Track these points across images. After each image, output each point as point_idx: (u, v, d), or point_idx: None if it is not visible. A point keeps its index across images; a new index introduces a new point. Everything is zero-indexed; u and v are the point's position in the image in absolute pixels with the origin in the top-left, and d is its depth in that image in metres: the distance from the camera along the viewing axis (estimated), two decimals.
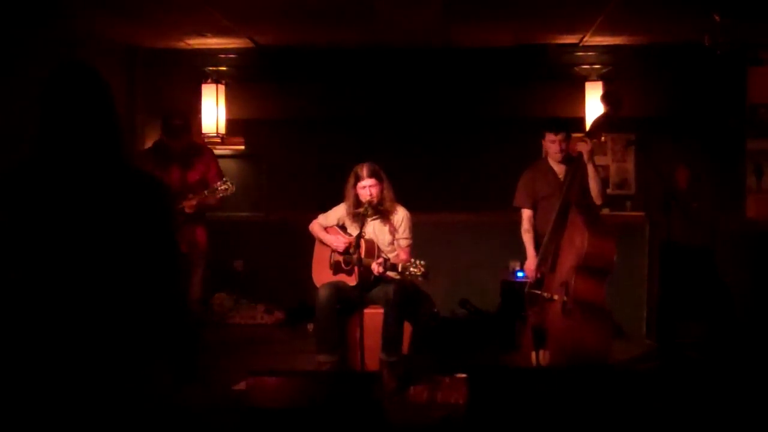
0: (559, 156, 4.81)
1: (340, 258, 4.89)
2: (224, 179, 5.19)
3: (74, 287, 1.95)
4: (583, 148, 4.58)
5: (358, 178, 4.79)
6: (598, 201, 4.74)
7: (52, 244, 1.95)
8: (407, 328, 4.73)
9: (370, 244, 4.70)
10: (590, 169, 4.65)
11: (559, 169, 4.86)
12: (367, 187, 4.75)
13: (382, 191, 4.79)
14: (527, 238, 4.88)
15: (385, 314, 4.62)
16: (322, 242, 5.02)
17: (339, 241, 4.85)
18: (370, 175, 4.76)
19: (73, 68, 2.09)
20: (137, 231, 2.00)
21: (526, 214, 4.92)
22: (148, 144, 6.26)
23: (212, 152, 5.57)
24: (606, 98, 4.71)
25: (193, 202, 5.09)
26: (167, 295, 2.06)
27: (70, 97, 2.04)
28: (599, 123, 4.72)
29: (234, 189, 5.20)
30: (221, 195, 5.17)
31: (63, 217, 1.96)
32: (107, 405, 1.96)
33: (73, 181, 1.98)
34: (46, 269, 1.95)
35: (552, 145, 4.81)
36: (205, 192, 5.15)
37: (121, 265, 1.98)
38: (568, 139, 4.83)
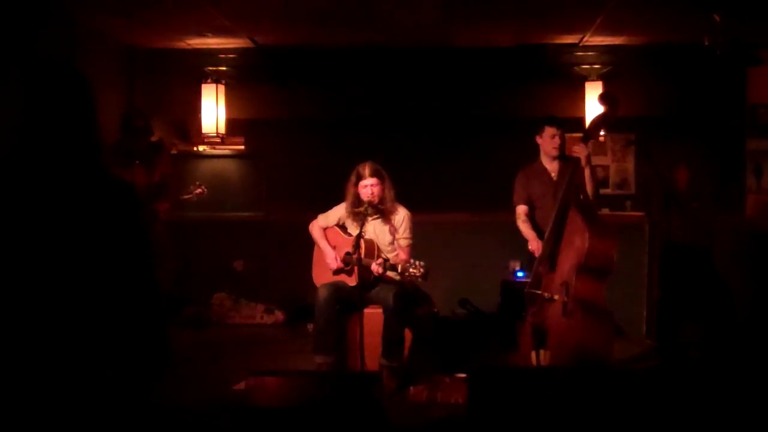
0: (556, 152, 4.84)
1: (340, 258, 4.89)
2: (197, 183, 5.22)
3: (47, 286, 1.95)
4: (581, 152, 4.58)
5: (359, 177, 4.77)
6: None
7: (24, 242, 1.96)
8: (407, 333, 4.71)
9: (370, 244, 4.69)
10: (587, 172, 4.67)
11: (552, 168, 4.89)
12: (368, 186, 4.73)
13: (383, 191, 4.77)
14: (525, 227, 4.90)
15: (385, 320, 4.60)
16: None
17: (333, 260, 4.83)
18: (372, 175, 4.74)
19: (54, 68, 2.09)
20: (107, 232, 2.01)
21: (522, 209, 4.97)
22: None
23: (169, 151, 5.57)
24: (604, 98, 4.72)
25: (168, 205, 5.08)
26: (139, 292, 2.07)
27: (49, 97, 2.04)
28: (597, 123, 4.74)
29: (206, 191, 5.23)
30: (196, 199, 5.16)
31: (34, 215, 1.96)
32: (82, 401, 1.97)
33: (45, 182, 1.98)
34: (18, 268, 1.95)
35: (551, 140, 4.84)
36: (184, 196, 5.16)
37: (91, 265, 1.98)
38: (564, 135, 4.87)
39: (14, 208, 1.97)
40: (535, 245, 4.74)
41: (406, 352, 4.67)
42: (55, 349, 1.95)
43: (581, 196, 4.66)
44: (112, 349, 2.02)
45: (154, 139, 5.51)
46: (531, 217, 4.95)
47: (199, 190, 5.19)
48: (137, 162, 5.13)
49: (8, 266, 1.95)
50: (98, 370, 2.00)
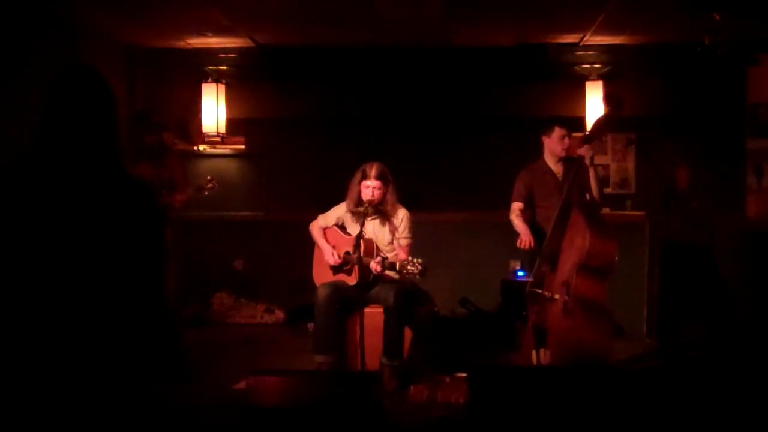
0: (565, 153, 4.87)
1: (339, 256, 4.89)
2: (209, 178, 5.56)
3: (62, 286, 1.96)
4: (585, 153, 4.59)
5: (364, 176, 4.74)
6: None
7: (42, 243, 1.96)
8: (407, 332, 4.72)
9: (370, 243, 4.68)
10: (591, 172, 4.68)
11: (557, 169, 4.90)
12: (371, 188, 4.71)
13: (385, 194, 4.74)
14: (518, 221, 4.88)
15: (386, 319, 4.60)
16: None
17: (333, 258, 4.82)
18: (377, 177, 4.71)
19: (78, 70, 2.10)
20: (126, 233, 2.02)
21: (517, 205, 4.95)
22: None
23: (178, 154, 5.87)
24: (608, 99, 4.72)
25: (184, 197, 5.33)
26: (150, 296, 2.07)
27: (73, 98, 2.05)
28: (601, 124, 4.73)
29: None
30: (208, 193, 5.53)
31: (53, 216, 1.97)
32: (91, 403, 1.97)
33: (65, 182, 1.99)
34: (35, 268, 1.96)
35: (561, 141, 4.86)
36: (199, 191, 5.49)
37: (107, 265, 1.99)
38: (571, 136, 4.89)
39: (32, 211, 1.98)
40: (526, 240, 4.72)
41: (406, 350, 4.67)
42: (67, 350, 1.95)
43: (586, 196, 4.68)
44: (125, 354, 2.03)
45: (164, 136, 5.70)
46: (533, 216, 4.95)
47: (210, 185, 5.47)
48: (144, 158, 5.32)
49: (25, 266, 1.96)
50: (111, 372, 2.01)
